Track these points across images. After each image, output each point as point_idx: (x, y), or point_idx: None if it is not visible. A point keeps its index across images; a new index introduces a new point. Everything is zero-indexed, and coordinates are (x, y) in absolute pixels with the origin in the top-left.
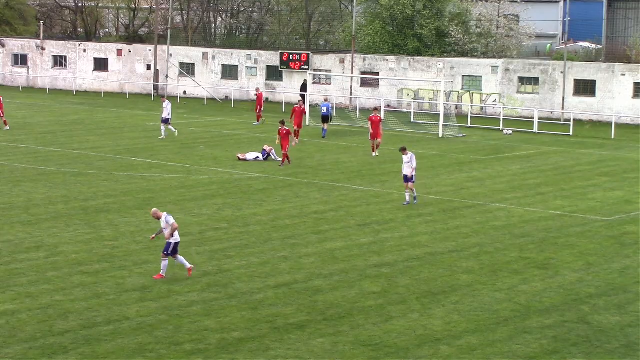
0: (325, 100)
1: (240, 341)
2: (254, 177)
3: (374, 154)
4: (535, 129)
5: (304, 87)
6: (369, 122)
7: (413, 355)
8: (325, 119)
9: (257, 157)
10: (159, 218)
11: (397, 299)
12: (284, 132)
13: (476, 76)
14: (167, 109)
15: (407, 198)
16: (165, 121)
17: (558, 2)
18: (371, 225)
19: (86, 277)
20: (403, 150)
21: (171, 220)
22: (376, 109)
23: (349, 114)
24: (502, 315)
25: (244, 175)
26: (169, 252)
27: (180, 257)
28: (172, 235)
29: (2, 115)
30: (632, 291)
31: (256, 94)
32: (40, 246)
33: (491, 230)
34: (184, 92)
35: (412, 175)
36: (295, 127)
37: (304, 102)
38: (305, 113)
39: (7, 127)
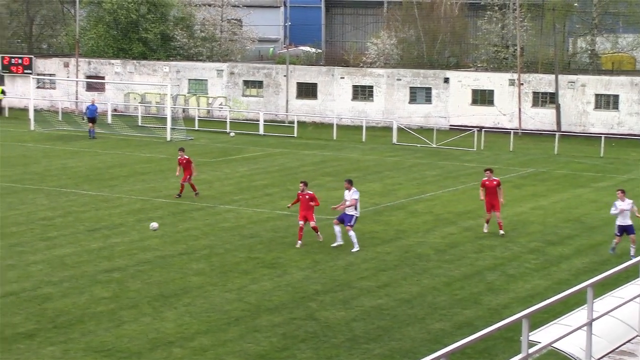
0: (93, 102)
1: None
2: None
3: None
4: (261, 131)
5: None
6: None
7: (146, 359)
8: (92, 120)
9: None
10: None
11: (129, 303)
12: None
13: (202, 79)
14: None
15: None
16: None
17: (279, 7)
18: (101, 230)
19: None
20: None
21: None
22: (490, 170)
23: (75, 119)
24: (233, 315)
25: None
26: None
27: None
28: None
29: None
30: (356, 286)
31: None
32: None
33: (221, 232)
34: None
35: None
36: None
37: None
38: None
39: None
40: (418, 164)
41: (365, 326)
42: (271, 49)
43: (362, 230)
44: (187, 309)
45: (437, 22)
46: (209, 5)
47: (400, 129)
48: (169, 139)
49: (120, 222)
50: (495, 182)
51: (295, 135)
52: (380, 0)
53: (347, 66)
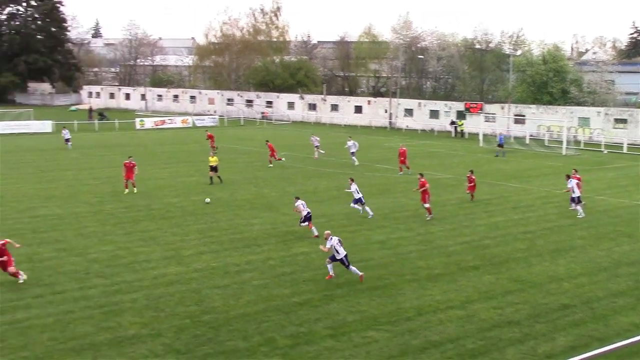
0: (500, 133)
1: (439, 275)
2: (448, 177)
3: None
4: (625, 150)
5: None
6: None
7: (545, 288)
8: (500, 145)
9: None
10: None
11: (536, 253)
12: None
13: (586, 117)
14: (354, 146)
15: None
16: (352, 154)
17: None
18: (520, 208)
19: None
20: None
21: None
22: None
23: (507, 140)
24: (602, 265)
25: (412, 176)
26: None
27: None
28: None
29: (273, 154)
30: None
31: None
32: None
33: (596, 213)
34: (407, 126)
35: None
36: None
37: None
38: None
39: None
40: None
41: None
42: (633, 98)
43: None
44: (572, 259)
45: None
46: (594, 72)
47: None
48: (564, 153)
49: (532, 203)
50: None
51: None
52: None
53: None
